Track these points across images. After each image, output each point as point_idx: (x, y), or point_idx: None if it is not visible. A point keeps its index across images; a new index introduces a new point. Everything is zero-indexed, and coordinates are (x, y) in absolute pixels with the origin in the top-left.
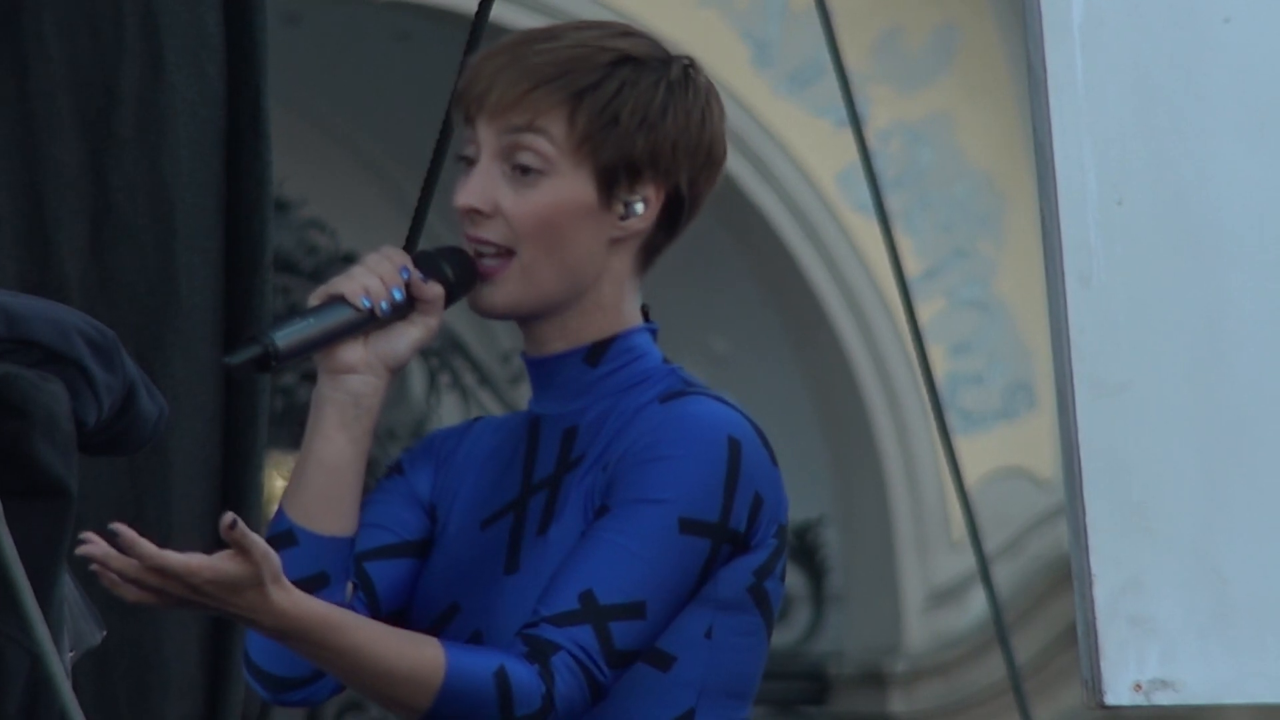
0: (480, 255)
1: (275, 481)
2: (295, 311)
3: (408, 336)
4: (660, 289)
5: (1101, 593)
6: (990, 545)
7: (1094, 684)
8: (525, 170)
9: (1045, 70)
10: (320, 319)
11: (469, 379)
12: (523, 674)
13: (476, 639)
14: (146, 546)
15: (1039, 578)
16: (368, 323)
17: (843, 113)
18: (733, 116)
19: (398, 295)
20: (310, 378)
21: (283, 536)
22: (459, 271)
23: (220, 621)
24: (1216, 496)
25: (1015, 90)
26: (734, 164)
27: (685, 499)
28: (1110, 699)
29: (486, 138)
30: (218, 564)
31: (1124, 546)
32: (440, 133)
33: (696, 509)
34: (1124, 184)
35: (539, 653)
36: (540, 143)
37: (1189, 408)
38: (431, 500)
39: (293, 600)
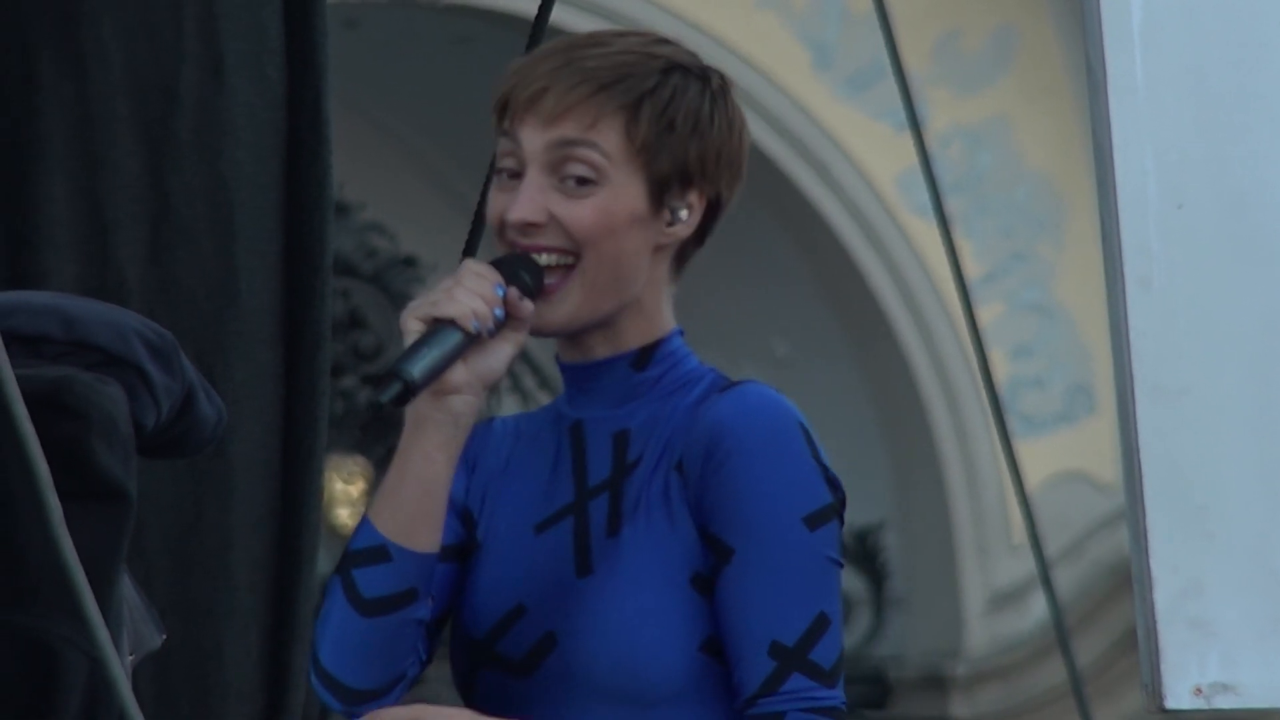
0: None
1: (335, 484)
2: (419, 342)
3: (502, 353)
4: (722, 292)
5: (1162, 596)
6: (1050, 549)
7: (1154, 688)
8: (580, 181)
9: (1105, 73)
10: (438, 346)
11: (529, 382)
12: None
13: (550, 640)
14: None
15: (1099, 581)
16: (472, 344)
17: (902, 116)
18: (792, 120)
19: (499, 314)
20: (370, 380)
21: (374, 552)
22: (536, 280)
23: (280, 625)
24: (1276, 500)
25: (1074, 93)
26: (794, 167)
27: (797, 498)
28: (1171, 703)
29: (533, 149)
30: None
31: (1184, 550)
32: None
33: (810, 501)
34: (1184, 188)
35: None
36: (593, 155)
37: (1249, 411)
38: (465, 504)
39: None
